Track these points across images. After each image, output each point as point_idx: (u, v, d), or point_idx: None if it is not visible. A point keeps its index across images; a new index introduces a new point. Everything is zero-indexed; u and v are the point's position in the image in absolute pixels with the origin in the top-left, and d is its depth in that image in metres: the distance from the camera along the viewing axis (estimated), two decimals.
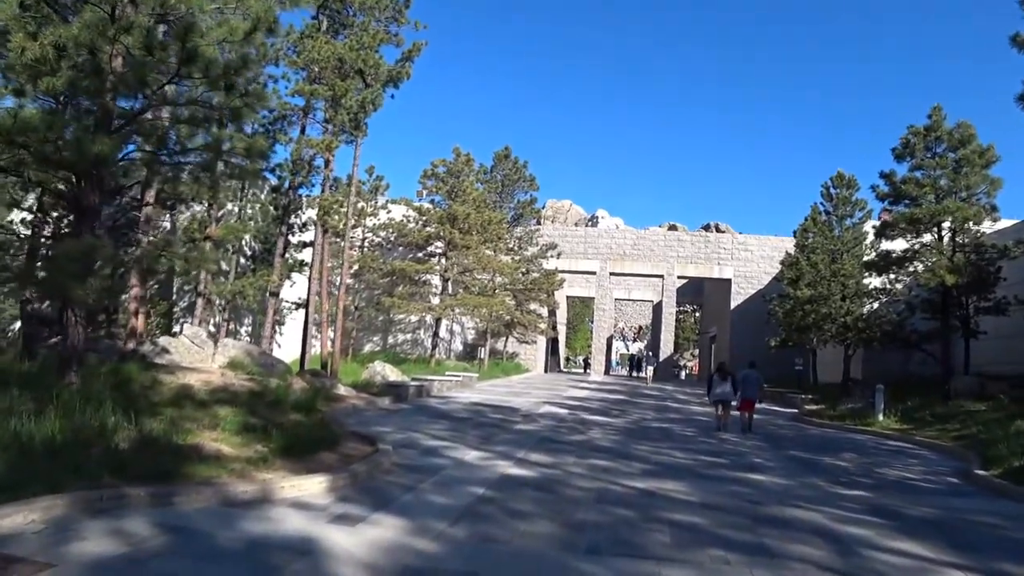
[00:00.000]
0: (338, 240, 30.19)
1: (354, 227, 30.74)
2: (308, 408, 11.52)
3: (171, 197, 19.56)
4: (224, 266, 25.81)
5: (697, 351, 69.82)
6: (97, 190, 8.66)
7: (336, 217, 21.24)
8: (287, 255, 25.29)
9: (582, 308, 73.69)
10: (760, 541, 6.18)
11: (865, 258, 25.78)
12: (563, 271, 43.09)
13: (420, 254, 30.10)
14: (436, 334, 29.51)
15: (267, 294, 22.66)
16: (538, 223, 36.81)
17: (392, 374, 22.29)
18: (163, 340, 14.98)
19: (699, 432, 15.22)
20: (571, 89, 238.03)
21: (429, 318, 33.77)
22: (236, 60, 8.00)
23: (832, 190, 27.85)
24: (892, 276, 23.77)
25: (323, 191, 20.76)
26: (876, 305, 26.24)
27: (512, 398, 21.19)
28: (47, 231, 14.99)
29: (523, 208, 36.61)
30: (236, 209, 23.38)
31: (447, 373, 24.49)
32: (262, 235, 25.51)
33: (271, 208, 23.58)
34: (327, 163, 20.16)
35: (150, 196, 16.90)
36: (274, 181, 23.78)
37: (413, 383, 19.32)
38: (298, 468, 8.02)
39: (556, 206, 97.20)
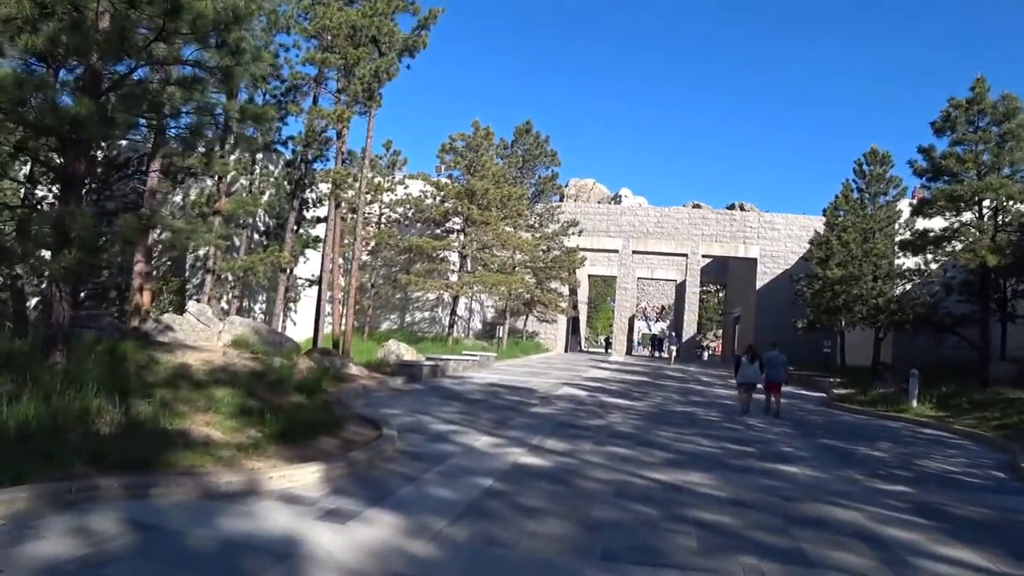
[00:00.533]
0: (353, 216, 29.73)
1: (370, 203, 30.22)
2: (312, 389, 11.00)
3: (177, 170, 19.17)
4: (238, 241, 25.38)
5: (720, 332, 68.81)
6: (83, 158, 8.11)
7: (350, 192, 20.67)
8: (301, 231, 24.79)
9: (604, 287, 72.89)
10: (796, 546, 5.53)
11: (899, 237, 24.71)
12: (585, 249, 42.30)
13: (438, 231, 29.48)
14: (454, 312, 28.93)
15: (278, 270, 22.16)
16: (561, 199, 35.90)
17: (407, 353, 21.80)
18: (167, 318, 14.54)
19: (724, 417, 14.53)
20: (594, 66, 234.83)
21: (447, 296, 33.23)
22: (226, 14, 7.36)
23: (865, 167, 26.70)
24: (928, 257, 22.74)
25: (336, 164, 20.14)
26: (909, 287, 25.22)
27: (530, 379, 20.61)
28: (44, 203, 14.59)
29: (544, 184, 35.72)
30: (247, 183, 22.84)
31: (464, 352, 23.96)
32: (276, 210, 25.00)
33: (284, 183, 23.04)
34: (339, 135, 19.53)
35: (155, 168, 16.38)
36: (288, 155, 23.25)
37: (427, 363, 18.80)
38: (293, 456, 7.49)
39: (579, 184, 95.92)
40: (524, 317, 39.20)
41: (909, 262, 24.32)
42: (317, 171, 22.27)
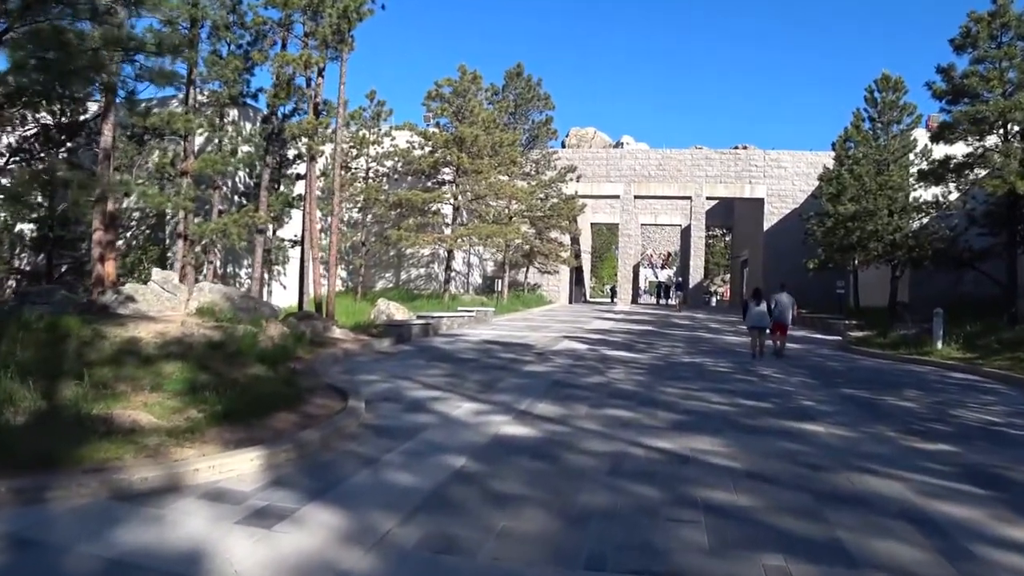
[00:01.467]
0: (341, 171, 28.35)
1: (356, 157, 28.85)
2: (276, 359, 9.92)
3: (142, 131, 17.87)
4: (222, 206, 24.08)
5: (728, 276, 67.63)
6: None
7: (328, 145, 19.28)
8: (283, 189, 23.42)
9: (609, 236, 71.52)
10: (832, 536, 4.44)
11: (916, 168, 23.22)
12: (585, 196, 40.89)
13: (430, 183, 28.10)
14: (449, 267, 27.74)
15: (254, 232, 20.89)
16: (562, 146, 34.18)
17: (398, 312, 20.76)
18: (129, 288, 13.45)
19: (736, 367, 13.44)
20: (590, 8, 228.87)
21: (442, 251, 32.05)
22: None
23: (876, 94, 25.03)
24: (947, 187, 21.31)
25: (309, 114, 18.76)
26: (926, 221, 23.85)
27: (528, 333, 19.56)
28: None
29: (538, 129, 34.07)
30: (216, 142, 21.35)
31: (459, 309, 22.90)
32: (258, 170, 23.67)
33: (259, 138, 21.61)
34: (309, 83, 18.15)
35: (108, 128, 15.07)
36: (265, 110, 21.77)
37: (418, 321, 17.74)
38: (235, 439, 6.43)
39: (580, 134, 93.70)
40: (525, 269, 38.05)
41: (926, 194, 22.91)
42: (289, 124, 20.76)
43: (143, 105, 19.01)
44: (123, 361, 8.67)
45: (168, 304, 13.60)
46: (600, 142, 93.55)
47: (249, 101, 22.06)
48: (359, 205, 29.60)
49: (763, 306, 15.01)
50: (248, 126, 24.07)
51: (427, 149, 27.16)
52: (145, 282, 14.74)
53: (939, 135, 19.89)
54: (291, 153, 24.11)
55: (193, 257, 20.86)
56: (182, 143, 20.27)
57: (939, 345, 15.31)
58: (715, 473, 5.82)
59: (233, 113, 23.44)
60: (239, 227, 19.65)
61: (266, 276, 25.48)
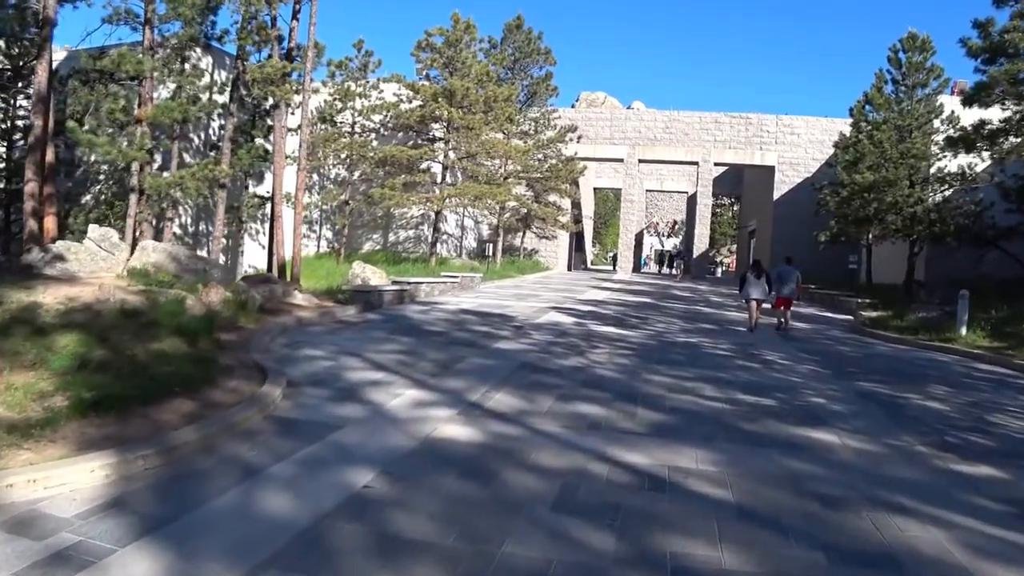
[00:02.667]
0: (322, 125, 26.69)
1: (341, 110, 27.15)
2: (200, 330, 8.50)
3: (93, 74, 16.23)
4: (188, 158, 22.41)
5: (735, 247, 65.93)
6: None
7: (296, 97, 17.54)
8: (259, 141, 21.68)
9: (614, 202, 69.63)
10: None
11: (942, 135, 21.41)
12: (587, 159, 39.13)
13: (421, 140, 26.39)
14: (436, 229, 26.14)
15: (215, 186, 19.23)
16: (573, 104, 32.10)
17: (375, 276, 19.31)
18: (59, 246, 11.97)
19: (736, 350, 12.00)
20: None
21: (434, 212, 30.50)
22: None
23: (901, 55, 23.07)
24: (980, 156, 19.57)
25: (274, 57, 17.06)
26: (948, 193, 22.15)
27: (514, 303, 18.14)
28: None
29: (537, 85, 32.10)
30: (174, 86, 19.50)
31: (443, 274, 21.45)
32: (234, 121, 22.01)
33: (224, 85, 19.93)
34: (274, 21, 16.45)
35: (42, 69, 13.46)
36: (232, 51, 19.99)
37: (390, 288, 16.32)
38: (98, 437, 5.07)
39: (590, 98, 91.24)
40: (521, 234, 36.51)
41: (951, 165, 21.19)
42: (250, 67, 18.91)
43: (100, 50, 17.39)
44: (12, 332, 7.28)
45: (104, 264, 12.15)
46: (610, 107, 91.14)
47: (215, 44, 20.28)
48: (345, 161, 27.98)
49: (763, 280, 14.56)
50: (224, 74, 22.37)
51: (415, 103, 25.40)
52: (81, 240, 13.29)
53: (973, 98, 18.08)
54: (270, 103, 22.44)
55: (152, 214, 19.32)
56: (139, 89, 18.55)
57: (963, 331, 13.81)
58: (697, 509, 4.40)
59: (207, 60, 21.71)
60: (197, 181, 18.04)
61: (242, 235, 24.08)
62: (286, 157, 23.19)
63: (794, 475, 5.15)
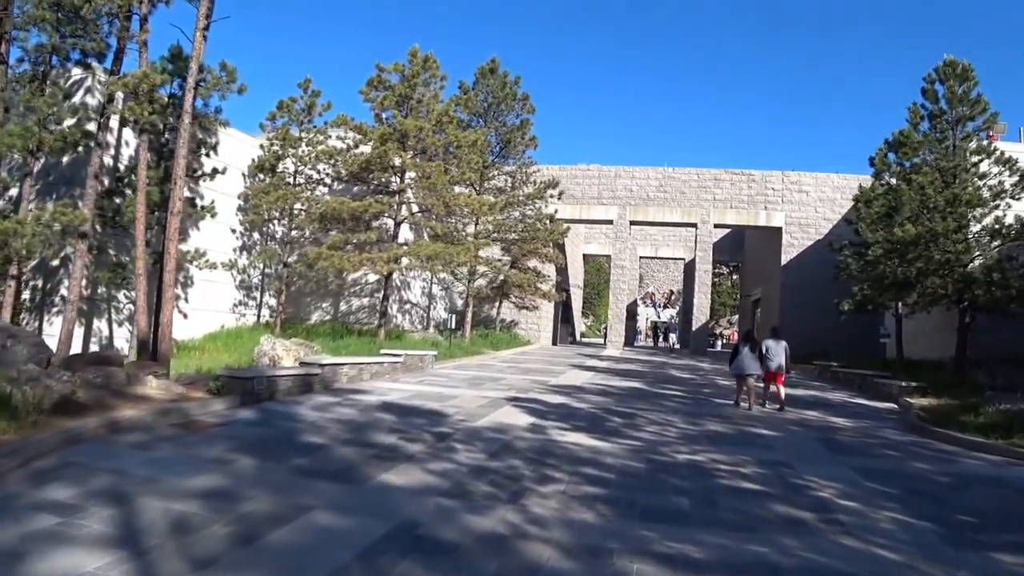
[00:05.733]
0: (263, 176, 22.86)
1: (280, 157, 23.40)
2: None
3: None
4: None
5: (736, 317, 61.87)
6: None
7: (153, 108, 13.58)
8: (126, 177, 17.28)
9: (608, 271, 65.89)
10: None
11: (994, 177, 17.44)
12: (573, 220, 35.35)
13: (372, 192, 22.42)
14: (386, 297, 21.85)
15: (75, 236, 15.04)
16: (535, 147, 28.06)
17: (288, 354, 15.12)
18: None
19: (768, 477, 7.67)
20: (588, 49, 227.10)
21: (396, 278, 26.43)
22: None
23: (938, 86, 19.32)
24: None
25: (140, 65, 13.24)
26: (1004, 249, 18.09)
27: (464, 391, 13.86)
28: None
29: (511, 133, 28.37)
30: (23, 110, 15.58)
31: (384, 352, 17.15)
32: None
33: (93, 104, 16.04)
34: (143, 23, 12.65)
35: None
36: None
37: (291, 373, 12.05)
38: None
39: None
40: (497, 303, 32.35)
41: (1008, 215, 17.25)
42: (111, 80, 14.80)
43: None
44: None
45: None
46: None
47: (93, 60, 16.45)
48: (286, 218, 24.05)
49: (756, 352, 13.74)
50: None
51: (364, 146, 21.61)
52: None
53: None
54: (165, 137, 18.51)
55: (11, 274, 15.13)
56: None
57: None
58: None
59: (90, 78, 17.73)
60: (40, 226, 13.96)
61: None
62: (201, 208, 19.24)
63: None
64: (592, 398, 14.10)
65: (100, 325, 19.81)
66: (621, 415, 11.76)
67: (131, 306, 18.98)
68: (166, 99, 17.73)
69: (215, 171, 18.87)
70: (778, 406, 13.74)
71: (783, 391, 13.97)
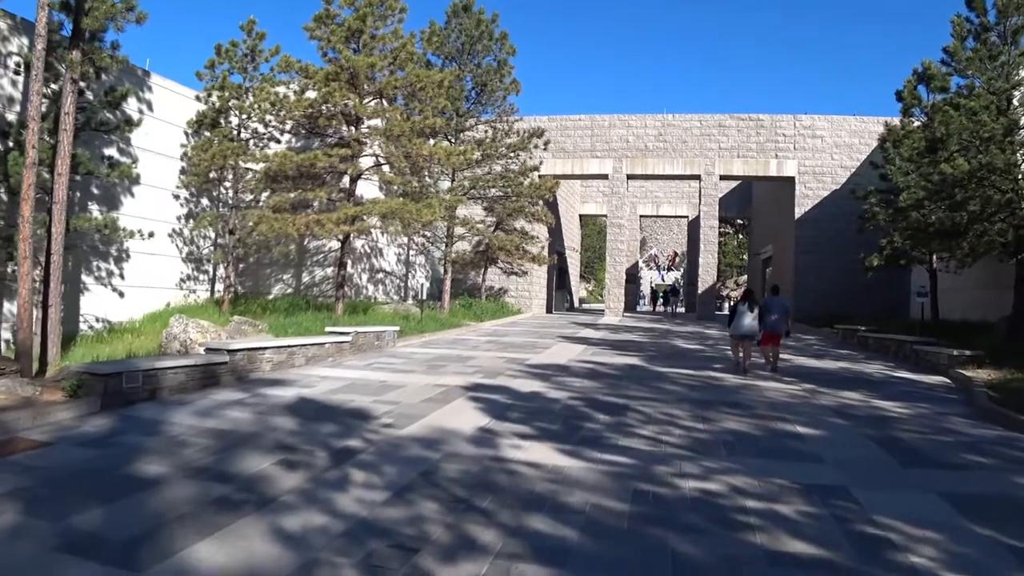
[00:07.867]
0: (204, 131, 19.92)
1: (219, 111, 20.40)
2: None
3: None
4: None
5: (744, 278, 58.97)
6: None
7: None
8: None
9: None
10: None
11: None
12: (564, 176, 32.32)
13: (322, 145, 19.37)
14: (342, 264, 18.87)
15: None
16: (517, 93, 24.80)
17: (203, 336, 12.37)
18: None
19: (825, 531, 4.92)
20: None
21: (360, 244, 23.61)
22: None
23: None
24: None
25: None
26: None
27: (414, 378, 11.12)
28: None
29: (487, 75, 25.13)
30: None
31: (330, 330, 14.37)
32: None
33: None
34: None
35: None
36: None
37: (183, 364, 9.28)
38: None
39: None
40: (482, 269, 29.50)
41: None
42: None
43: None
44: None
45: None
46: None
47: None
48: (231, 178, 21.14)
49: (756, 313, 13.03)
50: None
51: (308, 90, 18.51)
52: None
53: None
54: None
55: None
56: None
57: None
58: None
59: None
60: None
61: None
62: (111, 167, 16.35)
63: None
64: (575, 383, 11.34)
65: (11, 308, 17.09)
66: (608, 409, 8.99)
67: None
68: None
69: (129, 122, 15.90)
70: (771, 369, 13.05)
71: (777, 353, 13.29)
